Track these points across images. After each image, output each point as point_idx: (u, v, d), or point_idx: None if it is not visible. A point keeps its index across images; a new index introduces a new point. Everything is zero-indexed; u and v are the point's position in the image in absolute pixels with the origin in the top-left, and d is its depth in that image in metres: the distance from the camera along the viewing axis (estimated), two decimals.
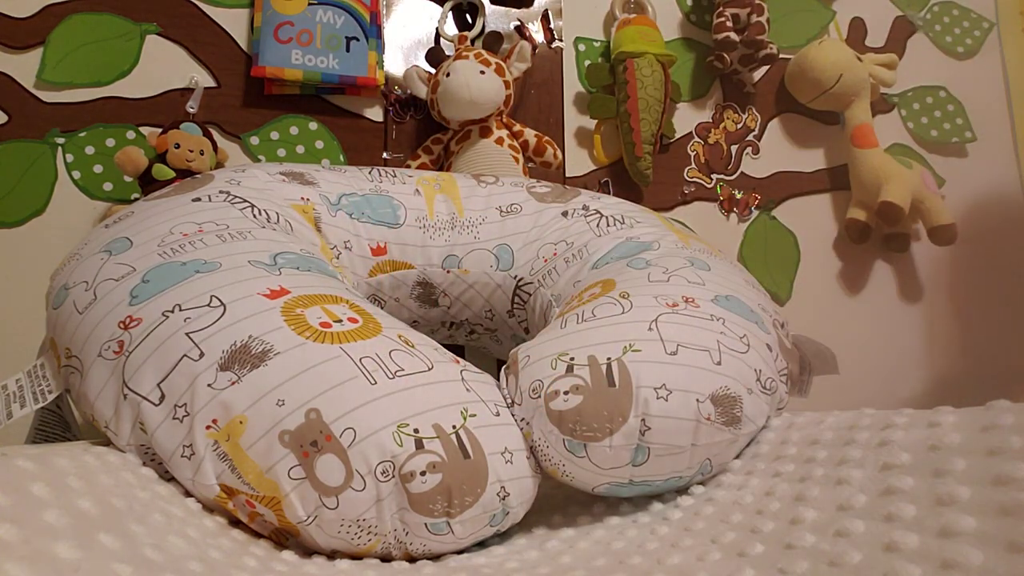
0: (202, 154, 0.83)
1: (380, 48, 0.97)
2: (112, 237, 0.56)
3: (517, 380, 0.52)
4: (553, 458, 0.49)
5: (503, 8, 1.04)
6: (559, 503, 0.55)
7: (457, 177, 0.79)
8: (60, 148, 0.88)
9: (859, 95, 1.10)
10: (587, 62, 1.07)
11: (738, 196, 1.11)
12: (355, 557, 0.44)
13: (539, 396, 0.49)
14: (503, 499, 0.46)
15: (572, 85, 1.07)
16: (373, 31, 0.95)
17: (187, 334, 0.46)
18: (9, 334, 0.84)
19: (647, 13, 1.08)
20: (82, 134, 0.88)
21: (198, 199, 0.60)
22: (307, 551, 0.44)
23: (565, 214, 0.75)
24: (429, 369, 0.48)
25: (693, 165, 1.10)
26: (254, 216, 0.60)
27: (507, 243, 0.74)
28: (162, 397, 0.45)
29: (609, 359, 0.49)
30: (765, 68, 1.15)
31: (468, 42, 0.95)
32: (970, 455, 0.35)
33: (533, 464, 0.50)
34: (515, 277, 0.74)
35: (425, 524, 0.43)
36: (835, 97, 1.10)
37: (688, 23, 1.14)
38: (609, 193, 1.03)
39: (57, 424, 0.56)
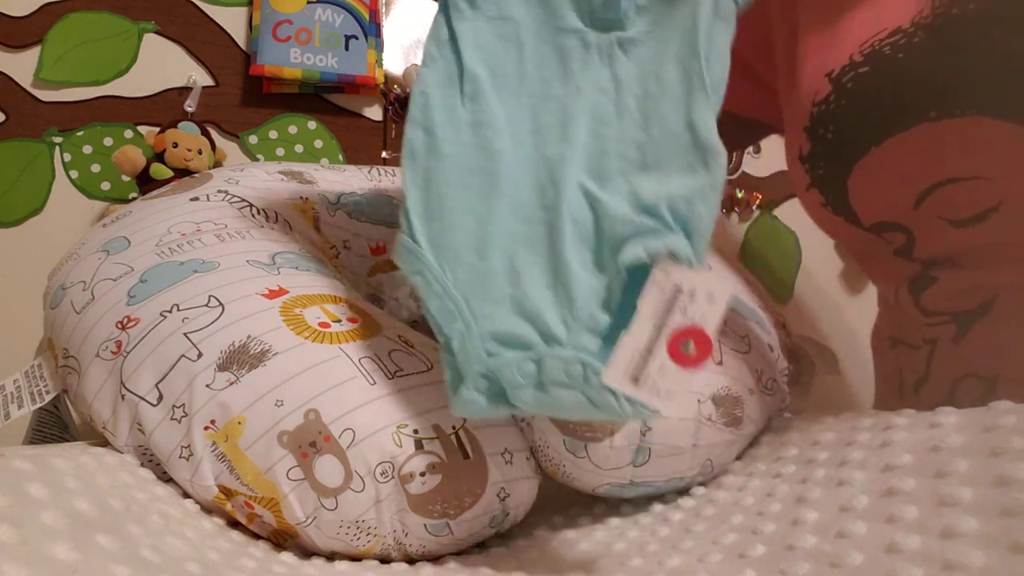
0: (200, 153, 0.83)
1: (379, 47, 0.96)
2: (110, 236, 0.56)
3: None
4: (553, 458, 0.49)
5: None
6: (560, 504, 0.55)
7: None
8: (58, 147, 0.87)
9: None
10: None
11: (739, 195, 1.11)
12: (354, 558, 0.44)
13: None
14: (503, 500, 0.46)
15: None
16: (372, 29, 0.95)
17: (185, 334, 0.46)
18: (7, 334, 0.83)
19: None
20: (80, 133, 0.88)
21: (196, 198, 0.60)
22: (306, 552, 0.44)
23: None
24: (429, 369, 0.48)
25: None
26: (253, 215, 0.60)
27: None
28: (160, 398, 0.45)
29: None
30: None
31: None
32: (972, 456, 0.35)
33: (533, 465, 0.50)
34: None
35: (424, 525, 0.43)
36: None
37: None
38: None
39: (55, 425, 0.56)
